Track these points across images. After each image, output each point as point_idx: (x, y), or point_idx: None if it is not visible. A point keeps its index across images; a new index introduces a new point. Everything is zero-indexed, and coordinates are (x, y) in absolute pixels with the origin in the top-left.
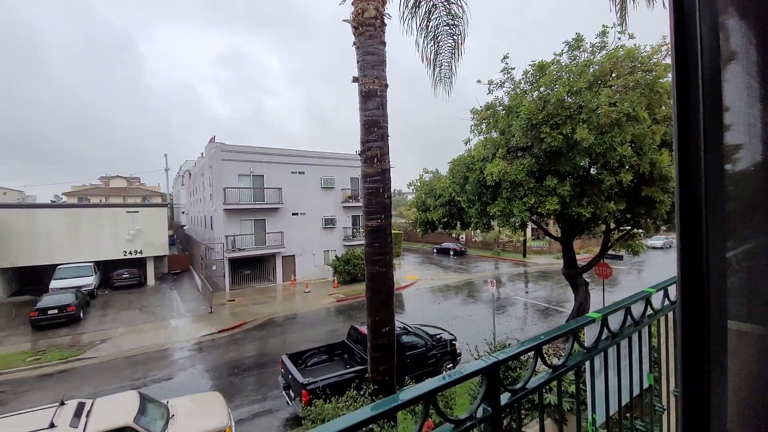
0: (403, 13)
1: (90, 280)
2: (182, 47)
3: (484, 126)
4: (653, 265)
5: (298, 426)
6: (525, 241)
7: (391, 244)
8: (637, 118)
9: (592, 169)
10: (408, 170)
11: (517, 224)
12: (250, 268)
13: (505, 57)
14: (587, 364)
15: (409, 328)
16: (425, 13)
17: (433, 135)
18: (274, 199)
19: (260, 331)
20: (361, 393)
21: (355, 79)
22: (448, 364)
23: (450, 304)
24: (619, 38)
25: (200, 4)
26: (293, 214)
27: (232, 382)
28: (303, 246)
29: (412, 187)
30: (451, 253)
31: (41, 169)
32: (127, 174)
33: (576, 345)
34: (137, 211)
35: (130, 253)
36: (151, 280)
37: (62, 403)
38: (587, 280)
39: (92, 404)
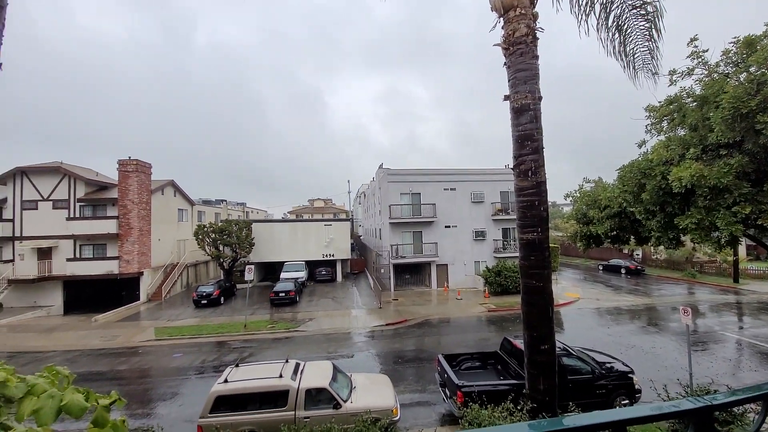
0: (578, 17)
1: (303, 274)
2: (352, 93)
3: (665, 124)
4: None
5: (455, 424)
6: (736, 261)
7: (549, 258)
8: None
9: None
10: (562, 179)
11: (722, 240)
12: (410, 273)
13: (693, 39)
14: None
15: (572, 351)
16: (602, 7)
17: (592, 141)
18: (429, 214)
19: (418, 329)
20: (518, 408)
21: (506, 98)
22: (623, 399)
23: (623, 330)
24: None
25: (363, 55)
26: (446, 226)
27: (396, 369)
28: (455, 256)
29: (570, 198)
30: (623, 271)
31: (274, 194)
32: (324, 196)
33: None
34: (331, 225)
35: (326, 255)
36: (339, 277)
37: (287, 361)
38: None
39: (303, 366)
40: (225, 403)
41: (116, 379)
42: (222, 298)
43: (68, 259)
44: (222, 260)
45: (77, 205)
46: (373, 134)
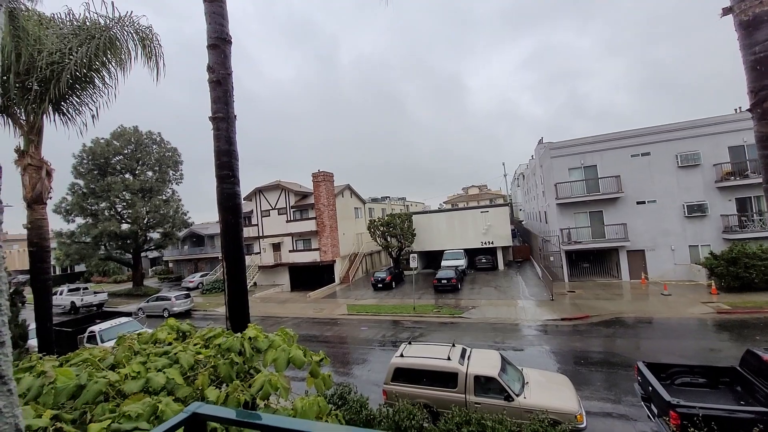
0: None
1: (462, 262)
2: (493, 68)
3: None
4: None
5: None
6: None
7: None
8: None
9: None
10: None
11: None
12: (589, 262)
13: None
14: None
15: None
16: None
17: None
18: (612, 189)
19: (606, 328)
20: None
21: (726, 11)
22: None
23: None
24: None
25: (498, 22)
26: (638, 202)
27: (578, 371)
28: (654, 239)
29: None
30: None
31: (428, 186)
32: (478, 183)
33: None
34: (487, 211)
35: (485, 243)
36: (500, 265)
37: (453, 345)
38: None
39: (470, 352)
40: (402, 374)
41: (324, 342)
42: (393, 283)
43: (290, 251)
44: (390, 249)
45: (291, 210)
46: (523, 107)
